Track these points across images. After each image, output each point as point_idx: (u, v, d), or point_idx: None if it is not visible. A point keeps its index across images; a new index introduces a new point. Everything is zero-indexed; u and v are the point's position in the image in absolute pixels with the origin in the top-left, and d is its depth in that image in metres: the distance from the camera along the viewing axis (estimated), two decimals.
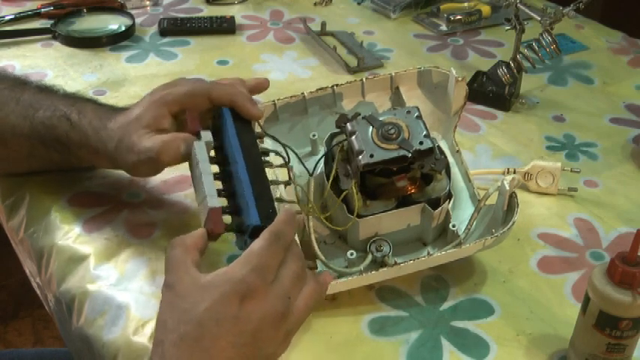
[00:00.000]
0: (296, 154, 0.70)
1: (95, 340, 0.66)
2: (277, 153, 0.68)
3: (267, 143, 0.73)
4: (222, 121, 0.68)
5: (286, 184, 0.68)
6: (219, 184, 0.64)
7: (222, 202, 0.61)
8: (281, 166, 0.69)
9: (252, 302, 0.54)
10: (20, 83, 0.79)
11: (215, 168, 0.65)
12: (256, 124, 0.71)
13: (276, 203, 0.63)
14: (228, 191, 0.63)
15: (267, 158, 0.67)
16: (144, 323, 0.65)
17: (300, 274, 0.59)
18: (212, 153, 0.67)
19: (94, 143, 0.72)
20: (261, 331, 0.55)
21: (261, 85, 0.76)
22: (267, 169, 0.66)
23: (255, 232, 0.58)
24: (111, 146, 0.70)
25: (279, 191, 0.68)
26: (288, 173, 0.69)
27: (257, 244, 0.57)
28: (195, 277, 0.55)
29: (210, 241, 0.60)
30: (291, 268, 0.58)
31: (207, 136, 0.66)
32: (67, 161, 0.76)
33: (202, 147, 0.64)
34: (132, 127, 0.69)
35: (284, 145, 0.69)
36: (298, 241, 0.64)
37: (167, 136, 0.67)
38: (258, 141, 0.69)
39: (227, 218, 0.61)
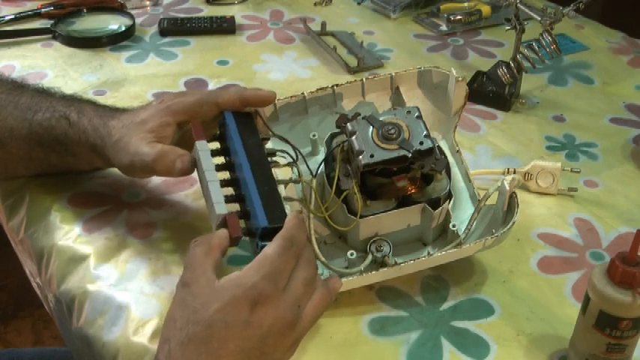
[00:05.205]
0: (301, 153, 0.70)
1: (95, 340, 0.66)
2: (284, 151, 0.68)
3: (272, 143, 0.73)
4: (226, 126, 0.68)
5: (294, 182, 0.68)
6: (230, 190, 0.64)
7: (232, 207, 0.61)
8: (288, 164, 0.68)
9: (263, 309, 0.55)
10: (18, 86, 0.79)
11: (225, 174, 0.65)
12: (264, 125, 0.71)
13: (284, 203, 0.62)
14: (239, 196, 0.63)
15: (274, 158, 0.67)
16: (144, 323, 0.65)
17: (311, 280, 0.59)
18: (222, 160, 0.67)
19: (92, 140, 0.72)
20: (270, 338, 0.55)
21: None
22: (273, 169, 0.66)
23: (265, 234, 0.58)
24: (109, 143, 0.70)
25: (283, 191, 0.68)
26: (293, 170, 0.69)
27: (270, 249, 0.57)
28: (211, 279, 0.55)
29: (232, 246, 0.60)
30: (302, 274, 0.58)
31: (211, 146, 0.65)
32: (64, 162, 0.76)
33: (207, 155, 0.64)
34: (135, 129, 0.69)
35: (291, 144, 0.69)
36: (315, 245, 0.63)
37: (166, 147, 0.67)
38: (263, 142, 0.69)
39: (240, 223, 0.62)
